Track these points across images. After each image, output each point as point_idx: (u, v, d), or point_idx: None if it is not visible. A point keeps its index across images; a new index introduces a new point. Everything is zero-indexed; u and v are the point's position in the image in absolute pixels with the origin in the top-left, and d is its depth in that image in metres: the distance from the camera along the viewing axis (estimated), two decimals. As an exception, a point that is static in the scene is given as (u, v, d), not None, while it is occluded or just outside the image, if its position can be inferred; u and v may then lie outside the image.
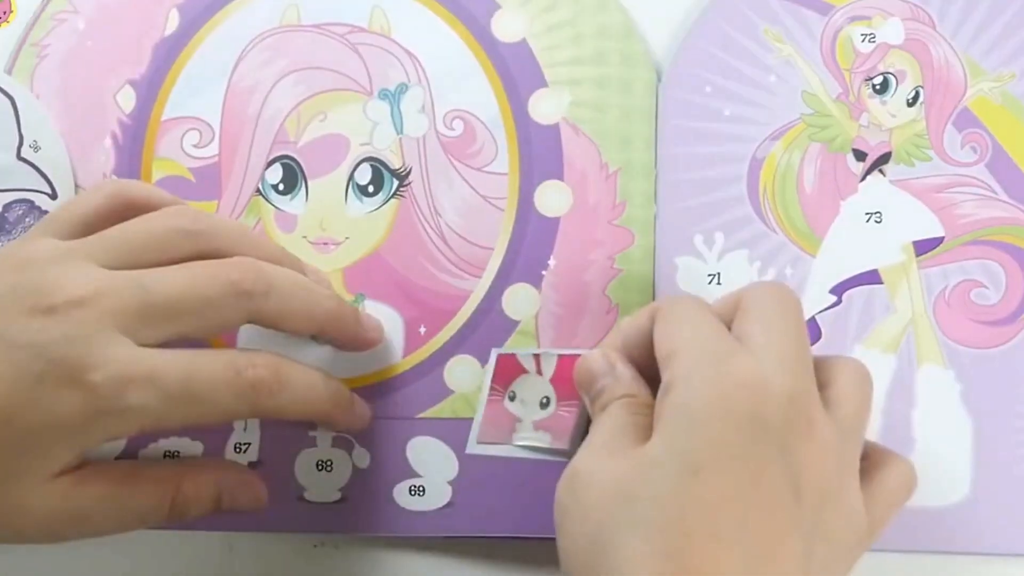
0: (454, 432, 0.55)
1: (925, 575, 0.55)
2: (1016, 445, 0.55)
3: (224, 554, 0.57)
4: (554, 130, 0.57)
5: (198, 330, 0.49)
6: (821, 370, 0.47)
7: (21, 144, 0.59)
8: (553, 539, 0.54)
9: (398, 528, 0.56)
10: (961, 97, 0.57)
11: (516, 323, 0.56)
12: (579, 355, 0.52)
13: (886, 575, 0.55)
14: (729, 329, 0.47)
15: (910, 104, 0.57)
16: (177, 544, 0.57)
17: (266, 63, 0.58)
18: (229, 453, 0.56)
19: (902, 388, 0.56)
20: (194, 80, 0.59)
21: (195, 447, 0.56)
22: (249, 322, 0.50)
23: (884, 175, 0.57)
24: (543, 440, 0.54)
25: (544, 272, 0.56)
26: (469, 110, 0.58)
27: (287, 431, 0.56)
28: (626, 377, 0.50)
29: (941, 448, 0.55)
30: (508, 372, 0.55)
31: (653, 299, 0.56)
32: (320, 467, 0.56)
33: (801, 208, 0.57)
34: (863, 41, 0.58)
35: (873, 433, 0.55)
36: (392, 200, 0.57)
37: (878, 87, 0.57)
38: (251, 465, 0.56)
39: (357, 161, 0.57)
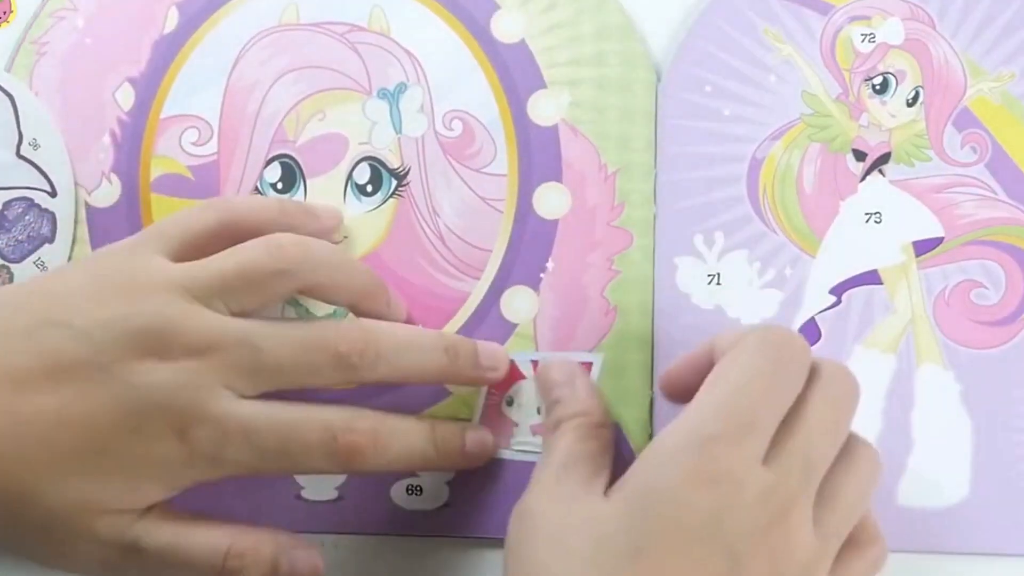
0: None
1: (925, 575, 0.55)
2: (1016, 445, 0.55)
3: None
4: (553, 131, 0.57)
5: (299, 388, 0.49)
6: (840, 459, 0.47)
7: (20, 142, 0.59)
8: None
9: (395, 527, 0.56)
10: (961, 97, 0.57)
11: (514, 326, 0.56)
12: (580, 362, 0.52)
13: (886, 575, 0.55)
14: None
15: (910, 104, 0.57)
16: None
17: (265, 61, 0.58)
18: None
19: (902, 388, 0.56)
20: (193, 78, 0.59)
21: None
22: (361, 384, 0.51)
23: (884, 175, 0.57)
24: (540, 445, 0.54)
25: (543, 274, 0.56)
26: (468, 111, 0.58)
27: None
28: (582, 392, 0.50)
29: (941, 448, 0.55)
30: (506, 377, 0.55)
31: (652, 300, 0.56)
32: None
33: (801, 208, 0.57)
34: (863, 41, 0.57)
35: (873, 434, 0.55)
36: (391, 200, 0.57)
37: (878, 87, 0.57)
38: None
39: (356, 160, 0.57)
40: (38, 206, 0.58)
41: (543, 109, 0.57)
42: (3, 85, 0.59)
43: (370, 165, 0.57)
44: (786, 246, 0.57)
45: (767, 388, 0.45)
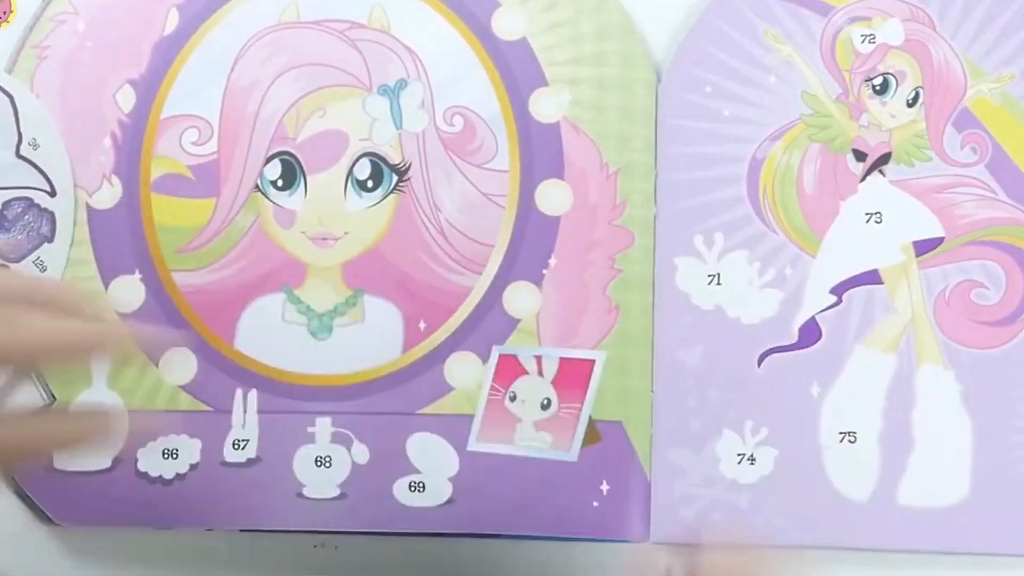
0: (455, 429, 0.55)
1: (925, 575, 0.55)
2: (1016, 445, 0.55)
3: (223, 554, 0.57)
4: (554, 129, 0.57)
5: None
6: None
7: (20, 142, 0.58)
8: (554, 537, 0.54)
9: (397, 524, 0.55)
10: (961, 98, 0.57)
11: (517, 321, 0.56)
12: (582, 359, 0.52)
13: (886, 575, 0.55)
14: None
15: (910, 104, 0.57)
16: (176, 545, 0.57)
17: (265, 60, 0.58)
18: (228, 450, 0.55)
19: (902, 388, 0.56)
20: (193, 78, 0.59)
21: (193, 444, 0.55)
22: None
23: (884, 175, 0.57)
24: (544, 441, 0.54)
25: (545, 271, 0.56)
26: (469, 107, 0.58)
27: (286, 427, 0.56)
28: None
29: (941, 448, 0.55)
30: (509, 372, 0.55)
31: (653, 299, 0.56)
32: (319, 463, 0.56)
33: (801, 208, 0.57)
34: (863, 42, 0.58)
35: (874, 434, 0.55)
36: (391, 195, 0.57)
37: (878, 88, 0.57)
38: (249, 462, 0.56)
39: (356, 156, 0.57)
40: (37, 205, 0.58)
41: (545, 106, 0.57)
42: (3, 85, 0.59)
43: (371, 161, 0.57)
44: (786, 246, 0.57)
45: None
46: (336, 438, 0.56)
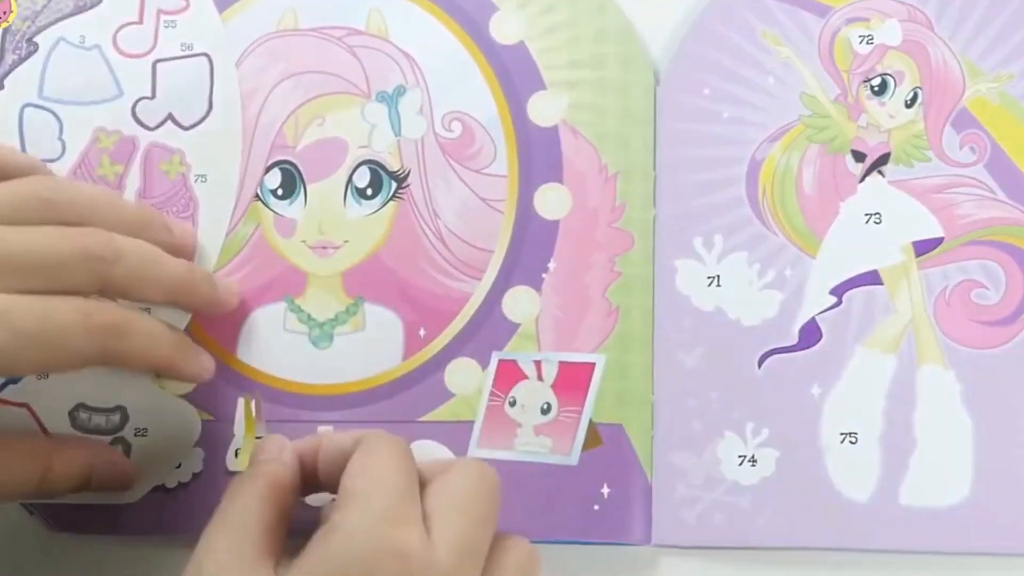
0: (455, 435, 0.55)
1: (925, 575, 0.55)
2: (1016, 445, 0.55)
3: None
4: (553, 132, 0.57)
5: (50, 289, 0.48)
6: (494, 551, 0.47)
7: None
8: (554, 542, 0.54)
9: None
10: (959, 98, 0.57)
11: (517, 326, 0.56)
12: (582, 362, 0.52)
13: (886, 575, 0.55)
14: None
15: (908, 105, 0.57)
16: (178, 554, 0.57)
17: (264, 68, 0.58)
18: (230, 459, 0.56)
19: (902, 389, 0.56)
20: (192, 86, 0.59)
21: (196, 453, 0.55)
22: (99, 288, 0.50)
23: (883, 176, 0.57)
24: (544, 445, 0.55)
25: (544, 275, 0.56)
26: (467, 112, 0.58)
27: (288, 436, 0.55)
28: (287, 458, 0.50)
29: (941, 448, 0.55)
30: (509, 377, 0.55)
31: (653, 302, 0.56)
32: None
33: (800, 209, 0.57)
34: (861, 42, 0.58)
35: (874, 435, 0.55)
36: (391, 202, 0.57)
37: (876, 88, 0.57)
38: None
39: (355, 164, 0.57)
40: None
41: (543, 110, 0.57)
42: None
43: (370, 168, 0.57)
44: (786, 247, 0.57)
45: (407, 467, 0.47)
46: (339, 446, 0.56)
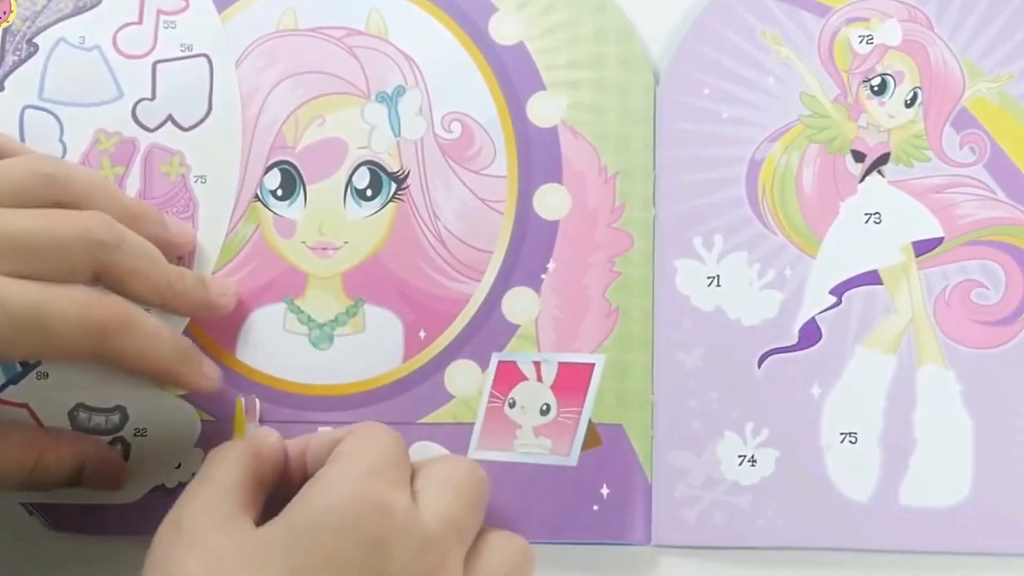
0: (455, 437, 0.55)
1: (925, 575, 0.55)
2: (1016, 445, 0.55)
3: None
4: (552, 133, 0.57)
5: (48, 272, 0.48)
6: (481, 540, 0.48)
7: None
8: (554, 543, 0.54)
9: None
10: (959, 98, 0.57)
11: (516, 327, 0.56)
12: (582, 363, 0.52)
13: (886, 575, 0.55)
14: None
15: (908, 105, 0.57)
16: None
17: (263, 68, 0.58)
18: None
19: (902, 389, 0.56)
20: (192, 86, 0.59)
21: (196, 453, 0.55)
22: (97, 274, 0.50)
23: (883, 176, 0.57)
24: (544, 446, 0.55)
25: (544, 275, 0.56)
26: (467, 112, 0.58)
27: (288, 437, 0.56)
28: (273, 439, 0.50)
29: (941, 448, 0.55)
30: (508, 379, 0.55)
31: (653, 302, 0.56)
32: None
33: (800, 209, 0.57)
34: (861, 42, 0.58)
35: (874, 435, 0.55)
36: (390, 204, 0.57)
37: (876, 88, 0.57)
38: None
39: (355, 165, 0.57)
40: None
41: (543, 111, 0.57)
42: None
43: (369, 169, 0.57)
44: (786, 247, 0.57)
45: (399, 446, 0.48)
46: (339, 447, 0.56)
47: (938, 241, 0.56)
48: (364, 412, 0.56)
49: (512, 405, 0.55)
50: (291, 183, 0.57)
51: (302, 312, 0.56)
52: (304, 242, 0.57)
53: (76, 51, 0.59)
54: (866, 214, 0.57)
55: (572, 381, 0.55)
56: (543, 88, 0.58)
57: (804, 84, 0.58)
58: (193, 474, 0.53)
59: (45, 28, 0.59)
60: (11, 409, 0.55)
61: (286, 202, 0.57)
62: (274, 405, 0.56)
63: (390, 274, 0.57)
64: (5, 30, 0.59)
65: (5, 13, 0.60)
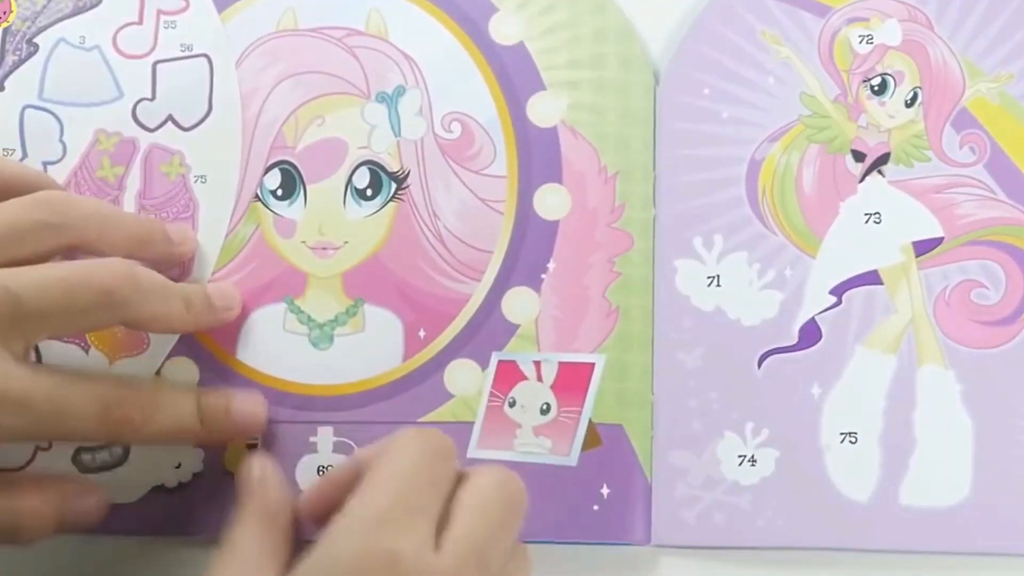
0: (455, 436, 0.54)
1: (925, 575, 0.55)
2: (1016, 445, 0.55)
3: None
4: (552, 133, 0.57)
5: (70, 333, 0.49)
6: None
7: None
8: (553, 542, 0.54)
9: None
10: (959, 98, 0.57)
11: (516, 327, 0.56)
12: (581, 363, 0.52)
13: (886, 575, 0.55)
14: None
15: (908, 105, 0.57)
16: (177, 554, 0.57)
17: (263, 68, 0.58)
18: (230, 459, 0.56)
19: (903, 389, 0.56)
20: (192, 87, 0.59)
21: (196, 453, 0.55)
22: (120, 325, 0.50)
23: (883, 176, 0.57)
24: (544, 446, 0.55)
25: (544, 275, 0.56)
26: (467, 112, 0.58)
27: (288, 437, 0.56)
28: (270, 479, 0.49)
29: (941, 448, 0.55)
30: (508, 378, 0.55)
31: (653, 302, 0.56)
32: (322, 472, 0.56)
33: (800, 209, 0.57)
34: (861, 42, 0.58)
35: (874, 435, 0.55)
36: (390, 203, 0.57)
37: (876, 88, 0.57)
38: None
39: (355, 165, 0.57)
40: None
41: (543, 111, 0.57)
42: None
43: (369, 169, 0.57)
44: (786, 247, 0.57)
45: (430, 471, 0.46)
46: (338, 447, 0.56)
47: (938, 241, 0.56)
48: (364, 412, 0.56)
49: (512, 404, 0.55)
50: (291, 183, 0.57)
51: (302, 312, 0.56)
52: (304, 242, 0.57)
53: (76, 51, 0.59)
54: (866, 214, 0.57)
55: (572, 381, 0.55)
56: (543, 88, 0.58)
57: (804, 84, 0.58)
58: (193, 474, 0.54)
59: (45, 28, 0.59)
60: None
61: (286, 202, 0.57)
62: (274, 405, 0.56)
63: (390, 274, 0.57)
64: (5, 30, 0.59)
65: (5, 13, 0.60)
